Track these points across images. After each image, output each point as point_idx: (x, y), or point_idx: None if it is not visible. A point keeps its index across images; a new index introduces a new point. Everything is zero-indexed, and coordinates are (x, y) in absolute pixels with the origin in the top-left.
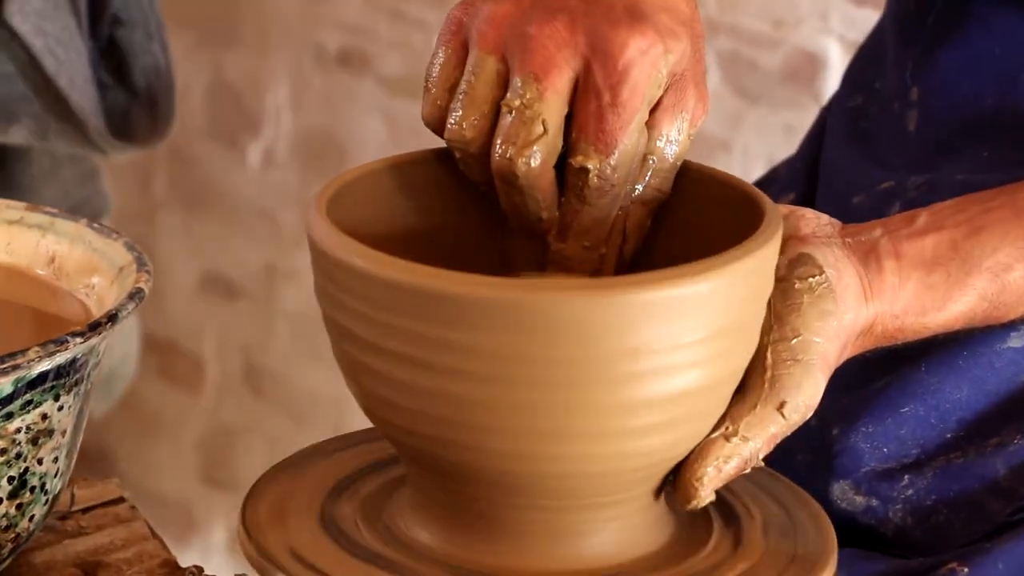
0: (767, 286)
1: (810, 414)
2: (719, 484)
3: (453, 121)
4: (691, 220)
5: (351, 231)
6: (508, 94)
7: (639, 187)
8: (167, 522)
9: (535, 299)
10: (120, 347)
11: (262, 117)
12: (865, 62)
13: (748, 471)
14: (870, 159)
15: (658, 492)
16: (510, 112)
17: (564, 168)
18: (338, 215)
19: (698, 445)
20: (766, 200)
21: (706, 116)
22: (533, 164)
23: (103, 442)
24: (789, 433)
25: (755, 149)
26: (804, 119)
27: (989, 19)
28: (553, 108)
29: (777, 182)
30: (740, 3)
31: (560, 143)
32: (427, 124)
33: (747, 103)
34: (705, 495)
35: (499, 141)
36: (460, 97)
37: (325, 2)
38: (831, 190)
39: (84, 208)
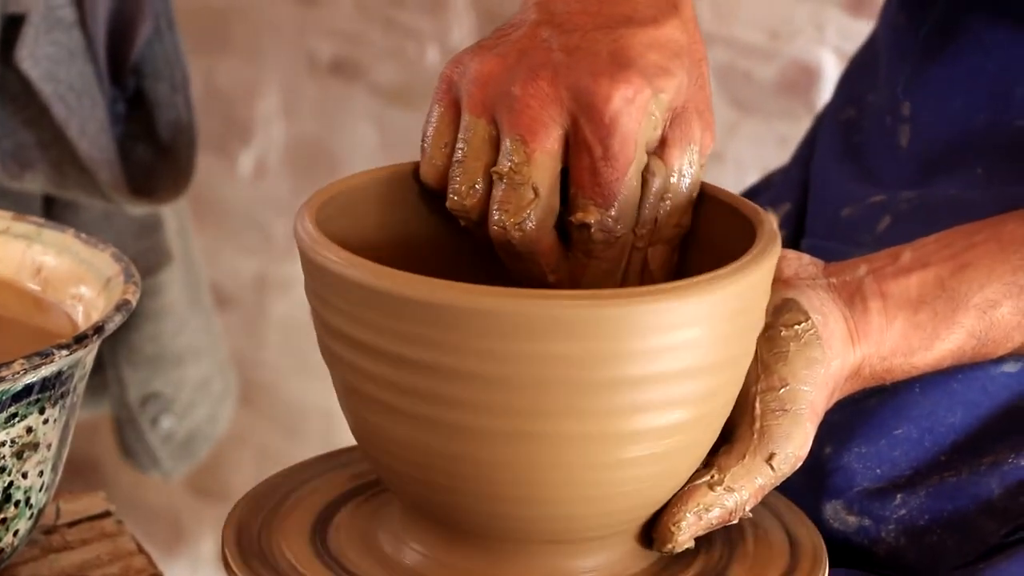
0: (763, 300)
1: (799, 464)
2: (699, 532)
3: (452, 191)
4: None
5: (341, 241)
6: (499, 159)
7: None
8: (155, 533)
9: (524, 305)
10: (206, 405)
11: (253, 125)
12: (857, 74)
13: (735, 521)
14: (861, 173)
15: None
16: (501, 179)
17: (567, 224)
18: (328, 225)
19: (680, 490)
20: (761, 213)
21: (714, 143)
22: (528, 230)
23: (91, 452)
24: (778, 484)
25: (749, 160)
26: (799, 131)
27: (983, 34)
28: (543, 170)
29: (771, 189)
30: (735, 14)
31: (556, 202)
32: (425, 183)
33: (741, 114)
34: (682, 540)
35: (494, 209)
36: (456, 166)
37: (317, 10)
38: (820, 202)
39: (139, 263)
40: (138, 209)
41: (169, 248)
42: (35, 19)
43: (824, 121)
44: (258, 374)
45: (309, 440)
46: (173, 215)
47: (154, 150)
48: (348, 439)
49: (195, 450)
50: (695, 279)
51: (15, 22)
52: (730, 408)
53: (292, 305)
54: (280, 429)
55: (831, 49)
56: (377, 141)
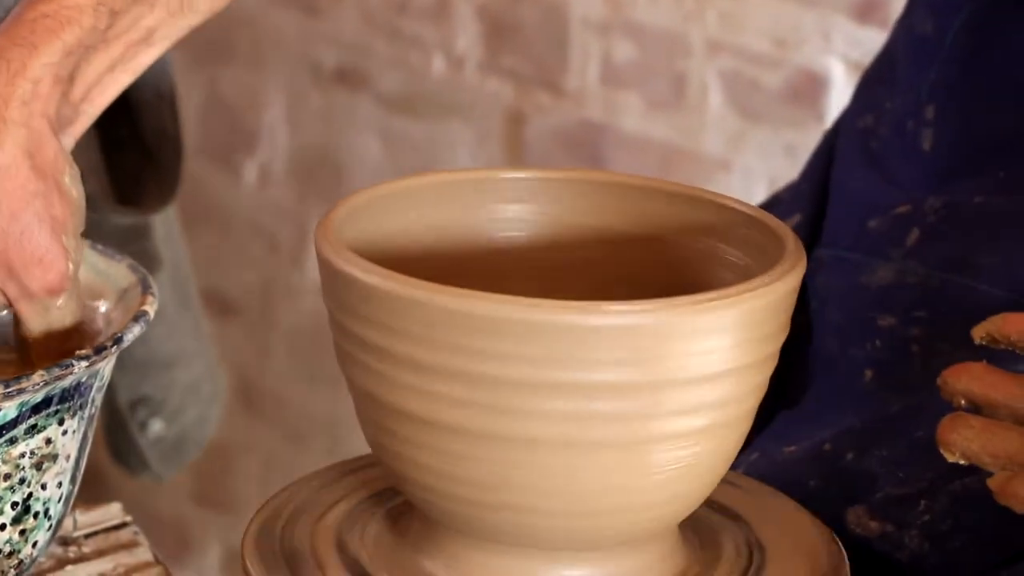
0: (788, 310)
1: None
2: None
3: None
4: (700, 248)
5: (362, 254)
6: None
7: None
8: (161, 542)
9: (555, 314)
10: (196, 408)
11: (258, 134)
12: (874, 83)
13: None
14: (883, 180)
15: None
16: None
17: None
18: (348, 237)
19: None
20: (786, 229)
21: (65, 279)
22: None
23: (96, 461)
24: None
25: (756, 169)
26: (806, 139)
27: (1011, 38)
28: None
29: (780, 205)
30: (742, 22)
31: None
32: None
33: (748, 123)
34: None
35: None
36: None
37: (322, 19)
38: (844, 212)
39: None
40: (124, 219)
41: (158, 253)
42: None
43: (842, 131)
44: (264, 382)
45: (315, 449)
46: (161, 219)
47: (140, 159)
48: (354, 448)
49: (185, 453)
50: (721, 292)
51: None
52: (754, 414)
53: (298, 313)
54: (286, 438)
55: (838, 57)
56: (382, 150)
